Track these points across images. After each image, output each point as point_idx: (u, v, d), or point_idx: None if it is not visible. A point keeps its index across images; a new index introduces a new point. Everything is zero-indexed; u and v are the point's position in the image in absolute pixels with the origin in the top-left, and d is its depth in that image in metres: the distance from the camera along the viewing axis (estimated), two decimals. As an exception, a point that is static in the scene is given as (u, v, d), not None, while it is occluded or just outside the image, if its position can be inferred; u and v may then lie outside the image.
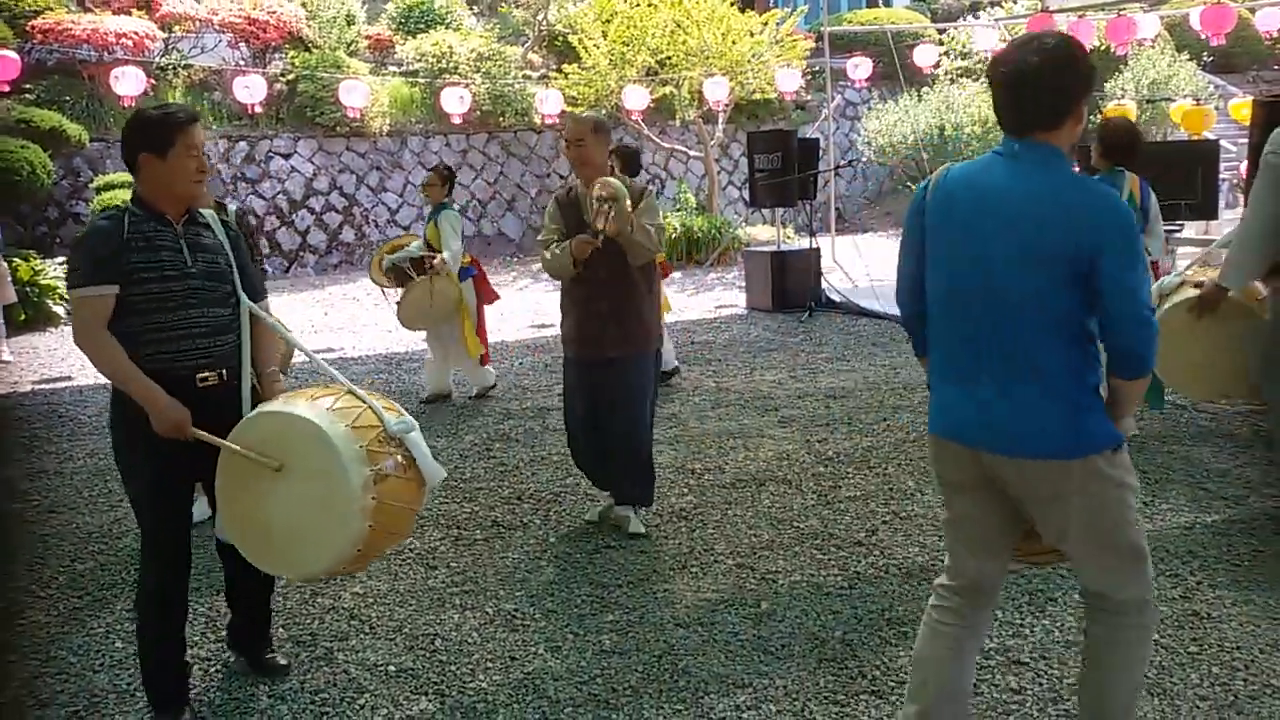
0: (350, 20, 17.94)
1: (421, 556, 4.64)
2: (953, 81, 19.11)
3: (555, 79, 16.30)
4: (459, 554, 4.66)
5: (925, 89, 18.34)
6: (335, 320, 12.18)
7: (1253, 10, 15.06)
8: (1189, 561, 4.18)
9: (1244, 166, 8.86)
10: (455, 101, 15.18)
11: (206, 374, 3.22)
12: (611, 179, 4.48)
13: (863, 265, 12.76)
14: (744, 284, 11.91)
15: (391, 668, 3.65)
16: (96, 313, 3.10)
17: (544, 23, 18.67)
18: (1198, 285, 4.76)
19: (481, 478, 5.74)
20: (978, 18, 20.92)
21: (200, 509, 4.23)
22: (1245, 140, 9.55)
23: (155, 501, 3.24)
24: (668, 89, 16.19)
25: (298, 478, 3.06)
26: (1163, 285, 4.99)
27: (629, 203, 4.43)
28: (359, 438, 3.08)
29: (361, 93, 14.92)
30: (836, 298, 11.01)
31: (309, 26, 17.11)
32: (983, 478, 2.68)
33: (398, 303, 7.30)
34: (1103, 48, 16.31)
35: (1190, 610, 3.77)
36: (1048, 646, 3.54)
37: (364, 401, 3.21)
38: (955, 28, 20.60)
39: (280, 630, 3.96)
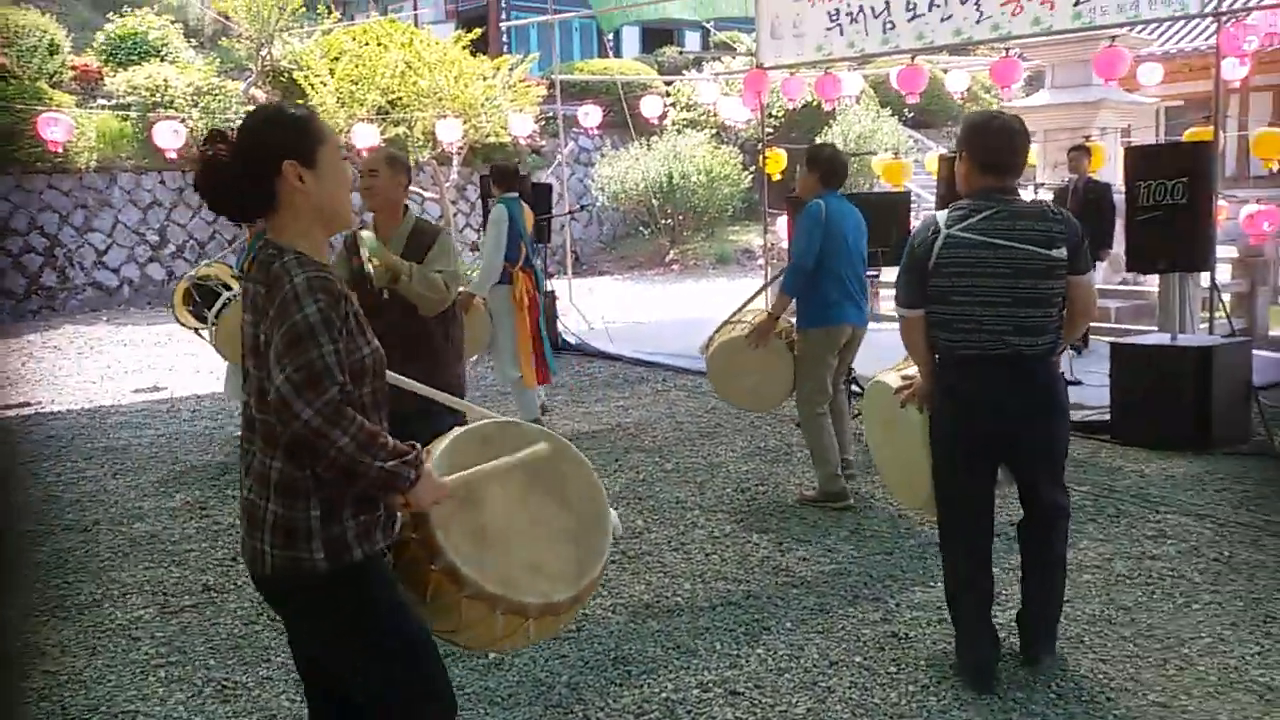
0: (53, 49, 16.66)
1: (123, 628, 4.29)
2: (679, 131, 19.92)
3: (281, 117, 15.78)
4: (165, 623, 4.34)
5: (654, 138, 19.01)
6: (33, 372, 11.15)
7: (945, 71, 16.57)
8: (889, 585, 4.48)
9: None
10: (169, 136, 14.33)
11: None
12: (366, 232, 4.29)
13: (598, 308, 12.99)
14: (479, 327, 11.84)
15: (83, 754, 3.35)
16: None
17: (268, 58, 18.04)
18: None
19: (193, 538, 5.39)
20: (700, 71, 21.95)
21: None
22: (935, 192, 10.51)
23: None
24: (400, 129, 16.00)
25: None
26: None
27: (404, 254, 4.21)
28: None
29: (64, 126, 13.85)
30: (573, 340, 11.16)
31: (5, 55, 15.76)
32: None
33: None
34: (814, 104, 17.45)
35: (890, 632, 4.03)
36: (761, 676, 3.69)
37: None
38: (680, 80, 21.50)
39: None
